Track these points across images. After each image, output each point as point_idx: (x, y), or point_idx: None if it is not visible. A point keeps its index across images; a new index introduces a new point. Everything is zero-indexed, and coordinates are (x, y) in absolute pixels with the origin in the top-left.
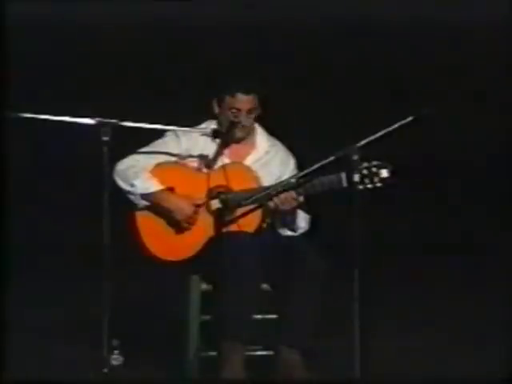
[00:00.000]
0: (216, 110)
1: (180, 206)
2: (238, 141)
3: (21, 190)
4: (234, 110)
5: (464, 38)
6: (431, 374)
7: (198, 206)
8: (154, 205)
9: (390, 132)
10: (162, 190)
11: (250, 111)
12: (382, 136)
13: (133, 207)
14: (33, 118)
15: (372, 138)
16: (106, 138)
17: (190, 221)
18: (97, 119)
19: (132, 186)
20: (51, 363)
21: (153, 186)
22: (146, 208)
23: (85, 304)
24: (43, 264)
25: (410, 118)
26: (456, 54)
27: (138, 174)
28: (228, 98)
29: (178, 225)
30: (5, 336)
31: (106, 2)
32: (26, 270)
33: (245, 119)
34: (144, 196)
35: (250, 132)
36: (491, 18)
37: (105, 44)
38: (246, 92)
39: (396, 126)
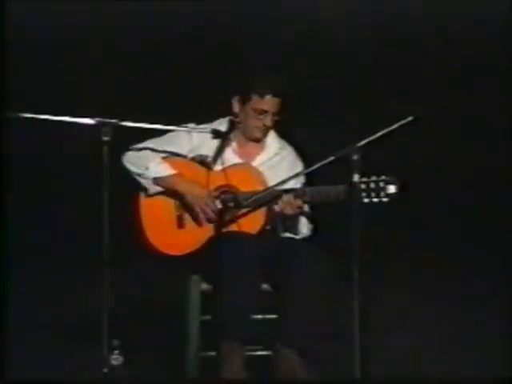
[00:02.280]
0: (236, 108)
1: (195, 190)
2: (257, 141)
3: (20, 189)
4: (260, 111)
5: (464, 38)
6: (431, 373)
7: (216, 197)
8: (167, 189)
9: (390, 132)
10: (175, 174)
11: (274, 114)
12: (382, 136)
13: (139, 193)
14: (33, 117)
15: (372, 137)
16: (106, 138)
17: (206, 207)
18: (97, 119)
19: (146, 168)
20: (51, 363)
21: (166, 169)
22: (158, 193)
23: (85, 304)
24: (43, 264)
25: (409, 118)
26: (456, 54)
27: (151, 158)
28: (255, 98)
29: (192, 211)
30: (5, 336)
31: (106, 2)
32: (26, 270)
33: (269, 121)
34: (156, 180)
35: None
36: (491, 17)
37: (105, 44)
38: (276, 94)
39: (396, 125)
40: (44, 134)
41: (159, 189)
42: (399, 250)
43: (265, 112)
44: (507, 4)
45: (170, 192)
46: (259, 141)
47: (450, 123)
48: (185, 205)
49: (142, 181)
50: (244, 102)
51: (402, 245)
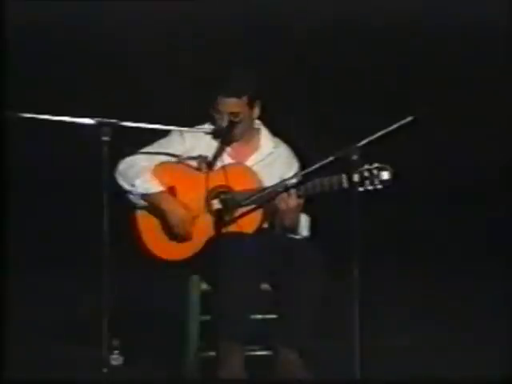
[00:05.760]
0: (211, 110)
1: (177, 210)
2: (236, 140)
3: (20, 190)
4: (216, 111)
5: (464, 38)
6: (431, 373)
7: (196, 216)
8: (153, 206)
9: (389, 132)
10: (161, 192)
11: (233, 114)
12: (381, 136)
13: (133, 206)
14: (33, 117)
15: (372, 137)
16: (106, 138)
17: (184, 229)
18: (97, 119)
19: (132, 185)
20: (51, 363)
21: (153, 186)
22: (144, 208)
23: (85, 304)
24: (43, 263)
25: (409, 118)
26: (456, 54)
27: (138, 174)
28: (217, 99)
29: (171, 229)
30: (5, 336)
31: (106, 2)
32: (26, 270)
33: (225, 122)
34: (143, 196)
35: (251, 133)
36: (491, 17)
37: (105, 44)
38: (227, 95)
39: (396, 125)
40: (44, 134)
41: (146, 204)
42: (399, 250)
43: (219, 112)
44: (507, 4)
45: (154, 209)
46: (238, 140)
47: (449, 123)
48: (166, 223)
49: (131, 196)
50: (213, 104)
51: (401, 245)
